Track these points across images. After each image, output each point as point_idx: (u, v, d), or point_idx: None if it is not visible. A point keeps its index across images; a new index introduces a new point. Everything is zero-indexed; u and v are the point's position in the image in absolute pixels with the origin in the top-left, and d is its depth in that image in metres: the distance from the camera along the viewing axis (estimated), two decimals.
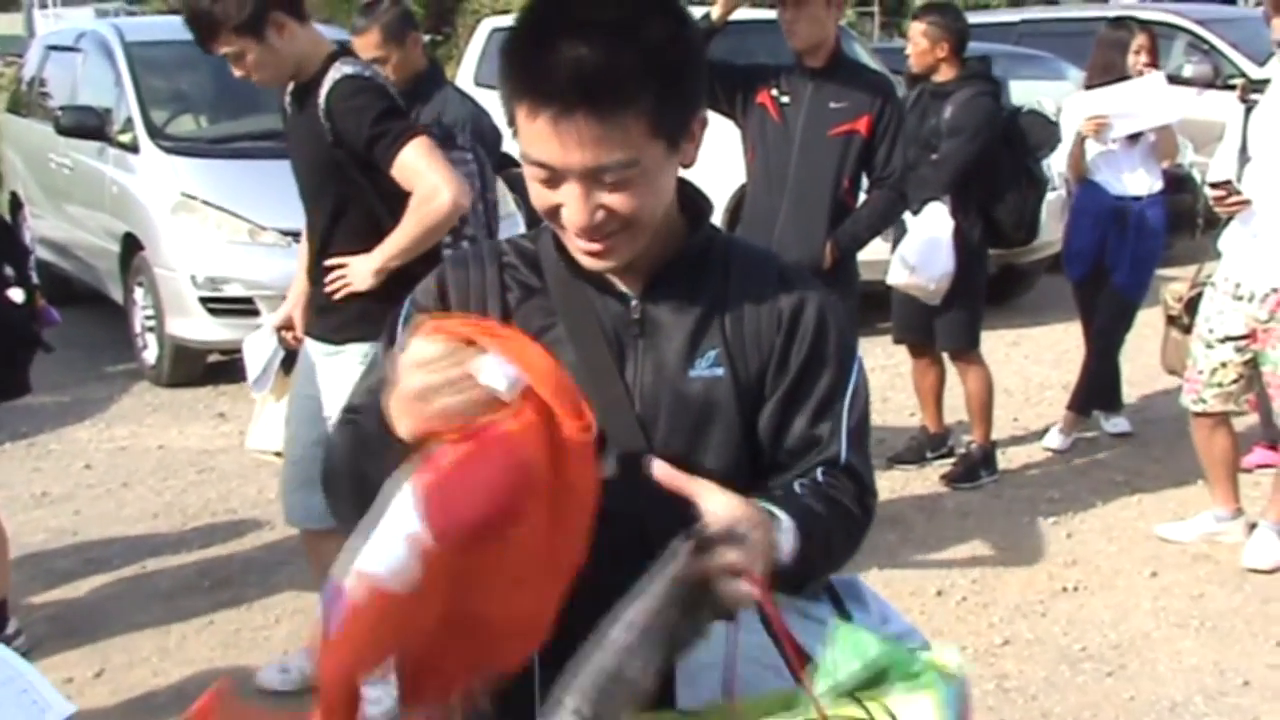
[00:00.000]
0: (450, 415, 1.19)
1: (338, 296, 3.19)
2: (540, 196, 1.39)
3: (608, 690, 1.16)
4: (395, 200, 3.10)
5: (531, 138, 1.33)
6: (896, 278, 5.04)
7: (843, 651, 1.26)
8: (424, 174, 3.05)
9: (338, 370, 3.23)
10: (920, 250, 4.90)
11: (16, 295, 3.73)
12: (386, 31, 4.48)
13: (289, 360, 3.57)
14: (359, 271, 3.16)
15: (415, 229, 3.09)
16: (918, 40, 5.05)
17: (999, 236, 5.12)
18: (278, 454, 3.65)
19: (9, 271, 3.73)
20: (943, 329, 5.11)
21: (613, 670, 1.17)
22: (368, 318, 3.08)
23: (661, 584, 1.21)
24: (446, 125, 4.48)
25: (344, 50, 3.26)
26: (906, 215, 4.93)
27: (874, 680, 1.25)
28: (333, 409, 3.24)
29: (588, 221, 1.35)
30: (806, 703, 1.25)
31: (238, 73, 3.14)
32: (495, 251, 1.53)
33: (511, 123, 1.37)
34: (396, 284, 3.02)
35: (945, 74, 5.02)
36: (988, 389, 5.16)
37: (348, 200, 3.20)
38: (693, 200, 1.51)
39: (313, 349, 3.36)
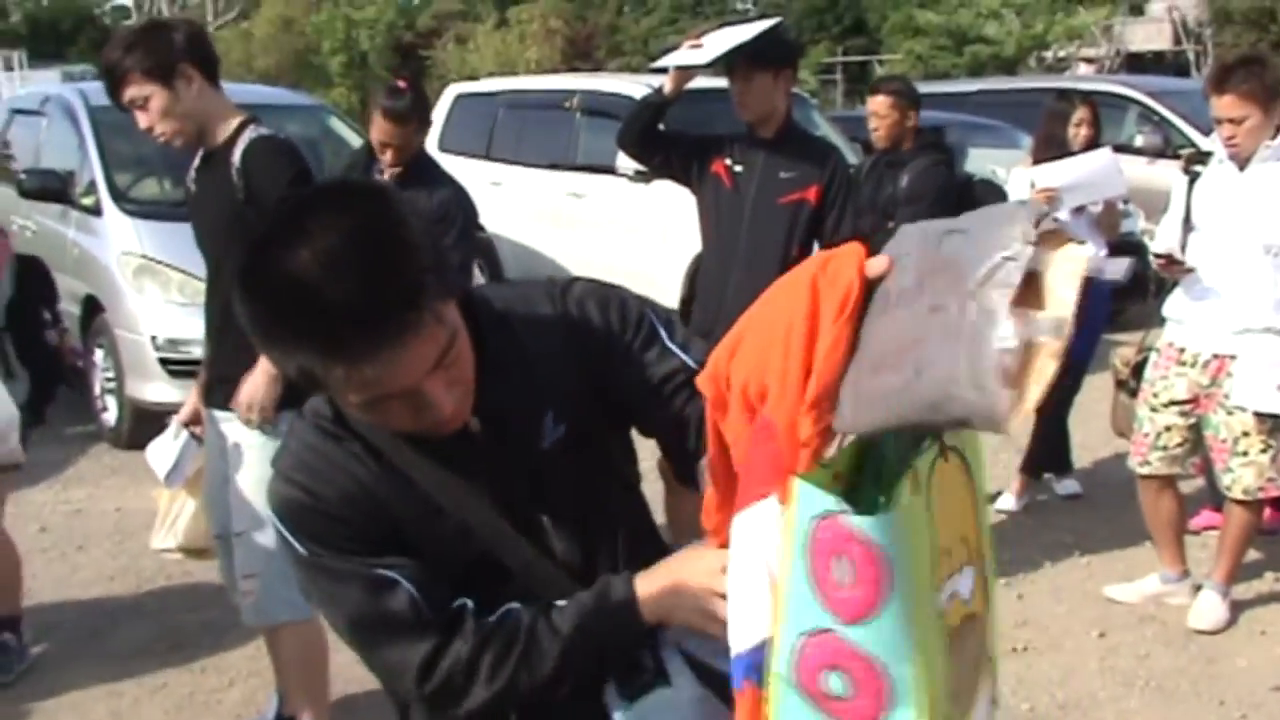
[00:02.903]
0: None
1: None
2: (386, 418, 1.35)
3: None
4: None
5: (357, 387, 1.29)
6: None
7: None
8: None
9: (243, 432, 3.23)
10: None
11: (53, 337, 4.23)
12: (408, 119, 4.36)
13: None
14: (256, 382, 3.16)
15: None
16: (887, 113, 5.11)
17: None
18: (185, 551, 3.62)
19: (47, 315, 4.24)
20: None
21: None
22: None
23: None
24: (436, 206, 4.42)
25: (255, 118, 3.29)
26: None
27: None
28: (240, 471, 3.24)
29: (457, 406, 1.35)
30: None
31: (143, 123, 3.13)
32: (330, 437, 1.46)
33: (310, 383, 1.32)
34: None
35: (904, 143, 5.14)
36: None
37: None
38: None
39: (219, 418, 3.31)
